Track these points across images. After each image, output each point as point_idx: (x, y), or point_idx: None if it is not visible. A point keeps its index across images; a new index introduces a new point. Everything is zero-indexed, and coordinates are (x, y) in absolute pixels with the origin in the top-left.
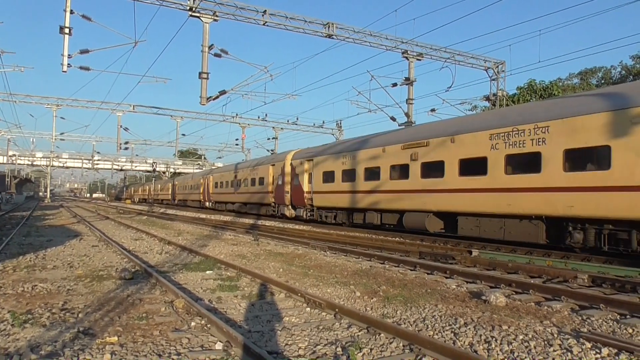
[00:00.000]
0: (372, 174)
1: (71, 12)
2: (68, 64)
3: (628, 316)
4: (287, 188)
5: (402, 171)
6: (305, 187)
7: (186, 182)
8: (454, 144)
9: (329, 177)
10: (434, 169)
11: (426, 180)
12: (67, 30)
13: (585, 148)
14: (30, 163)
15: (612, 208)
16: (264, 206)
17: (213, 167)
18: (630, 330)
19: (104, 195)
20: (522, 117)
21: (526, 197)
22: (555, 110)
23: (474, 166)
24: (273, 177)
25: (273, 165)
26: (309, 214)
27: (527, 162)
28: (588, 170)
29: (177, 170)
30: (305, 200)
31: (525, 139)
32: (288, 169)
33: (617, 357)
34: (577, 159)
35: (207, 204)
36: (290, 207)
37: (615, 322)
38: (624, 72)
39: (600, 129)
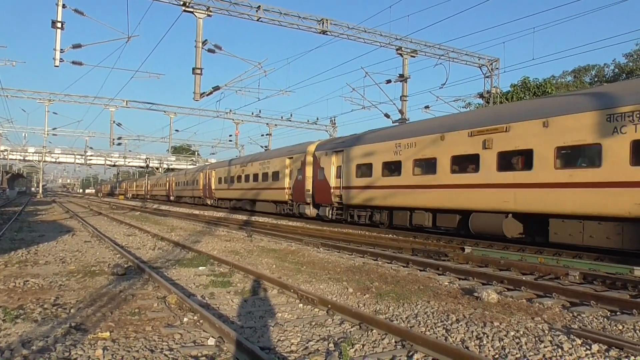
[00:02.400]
0: (239, 179)
1: (63, 6)
2: (60, 59)
3: (618, 313)
4: (207, 187)
5: (246, 178)
6: (213, 186)
7: (156, 181)
8: (260, 165)
9: (222, 180)
10: (247, 178)
11: (247, 183)
12: (59, 25)
13: (298, 169)
14: (22, 158)
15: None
16: (199, 198)
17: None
18: (620, 327)
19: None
20: (273, 154)
21: (270, 192)
22: (281, 152)
23: (255, 177)
24: (202, 180)
25: (202, 172)
26: (215, 203)
27: (273, 176)
28: (296, 179)
29: (171, 166)
30: (213, 194)
31: (270, 166)
32: (208, 175)
33: (607, 353)
34: (296, 173)
35: (171, 197)
36: (209, 199)
37: (605, 319)
38: (617, 70)
39: (282, 162)
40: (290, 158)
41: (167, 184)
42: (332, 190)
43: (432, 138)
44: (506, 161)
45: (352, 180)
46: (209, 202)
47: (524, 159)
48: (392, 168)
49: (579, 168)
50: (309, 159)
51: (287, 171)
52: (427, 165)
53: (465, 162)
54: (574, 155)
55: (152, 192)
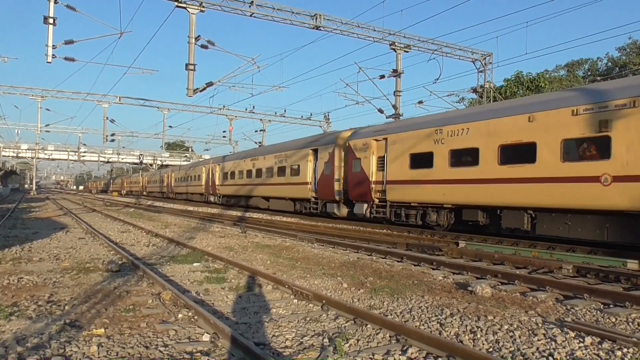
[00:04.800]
0: (184, 179)
1: (55, 1)
2: (53, 55)
3: (611, 305)
4: (169, 185)
5: (186, 179)
6: (172, 184)
7: (132, 179)
8: (192, 171)
9: (177, 180)
10: (186, 179)
11: (187, 182)
12: (51, 21)
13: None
14: (15, 155)
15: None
16: (164, 193)
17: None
18: (613, 319)
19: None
20: (197, 164)
21: (196, 187)
22: (201, 163)
23: (190, 178)
24: (166, 179)
25: (166, 174)
26: (174, 196)
27: (197, 178)
28: (206, 179)
29: (165, 163)
30: (172, 190)
31: (196, 171)
32: (169, 176)
33: (600, 346)
34: (206, 176)
35: (144, 192)
36: (171, 193)
37: (598, 312)
38: (610, 63)
39: (200, 169)
40: (205, 167)
41: (141, 182)
42: (216, 186)
43: (255, 159)
44: (282, 172)
45: (224, 180)
46: (171, 196)
47: (281, 171)
48: (241, 174)
49: (269, 177)
50: (211, 167)
51: (204, 175)
52: (258, 173)
53: (269, 172)
54: (280, 171)
55: (128, 189)
